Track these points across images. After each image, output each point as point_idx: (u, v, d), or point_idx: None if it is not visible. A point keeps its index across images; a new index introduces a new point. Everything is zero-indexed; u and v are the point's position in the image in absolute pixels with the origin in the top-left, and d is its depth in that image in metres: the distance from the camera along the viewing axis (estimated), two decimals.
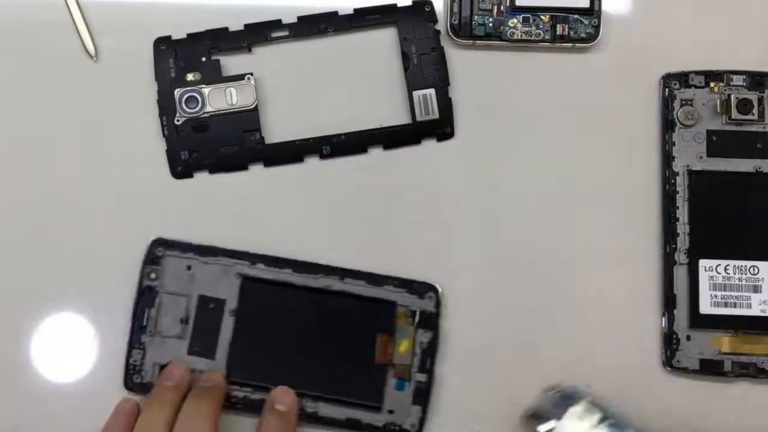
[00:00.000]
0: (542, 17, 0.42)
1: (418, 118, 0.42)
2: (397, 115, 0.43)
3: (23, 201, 0.42)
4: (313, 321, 0.41)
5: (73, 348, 0.41)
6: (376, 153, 0.42)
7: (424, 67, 0.42)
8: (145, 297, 0.40)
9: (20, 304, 0.41)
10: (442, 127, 0.42)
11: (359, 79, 0.43)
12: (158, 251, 0.41)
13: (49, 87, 0.43)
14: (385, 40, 0.43)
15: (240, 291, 0.40)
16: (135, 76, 0.42)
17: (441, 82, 0.42)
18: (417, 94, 0.42)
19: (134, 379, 0.40)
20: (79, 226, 0.42)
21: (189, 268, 0.40)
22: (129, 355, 0.40)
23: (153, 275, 0.40)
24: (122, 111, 0.43)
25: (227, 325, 0.40)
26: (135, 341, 0.40)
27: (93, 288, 0.41)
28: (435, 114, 0.42)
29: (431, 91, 0.42)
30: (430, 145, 0.43)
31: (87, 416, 0.41)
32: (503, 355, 0.41)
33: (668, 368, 0.41)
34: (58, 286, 0.42)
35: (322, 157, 0.42)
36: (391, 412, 0.40)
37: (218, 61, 0.42)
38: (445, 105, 0.42)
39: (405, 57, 0.42)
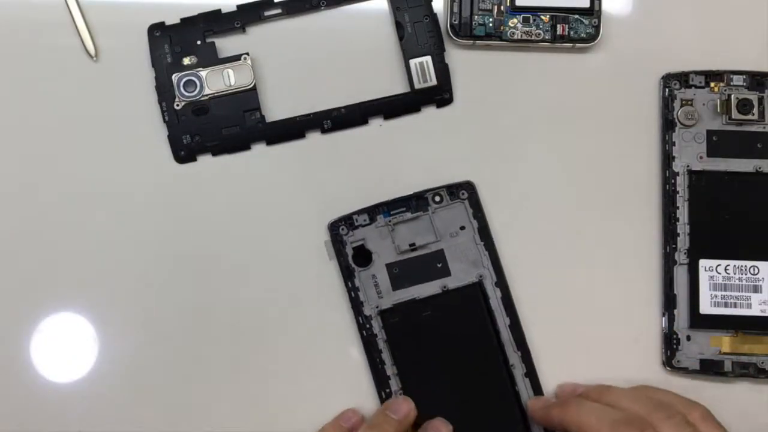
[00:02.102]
0: (542, 17, 0.42)
1: (417, 86, 0.42)
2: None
3: (24, 200, 0.42)
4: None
5: (73, 348, 0.41)
6: (377, 123, 0.43)
7: (419, 35, 0.43)
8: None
9: (20, 304, 0.41)
10: (440, 93, 0.43)
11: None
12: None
13: (49, 87, 0.43)
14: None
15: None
16: (134, 73, 0.42)
17: (436, 48, 0.42)
18: (413, 62, 0.42)
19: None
20: (82, 225, 0.42)
21: None
22: None
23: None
24: (123, 109, 0.43)
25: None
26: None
27: (94, 287, 0.42)
28: (433, 81, 0.42)
29: (427, 59, 0.42)
30: (430, 112, 0.43)
31: (87, 416, 0.41)
32: None
33: (668, 368, 0.41)
34: (59, 286, 0.42)
35: (324, 131, 0.42)
36: None
37: (213, 43, 0.42)
38: (443, 71, 0.43)
39: (399, 26, 0.43)
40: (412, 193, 0.41)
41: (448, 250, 0.41)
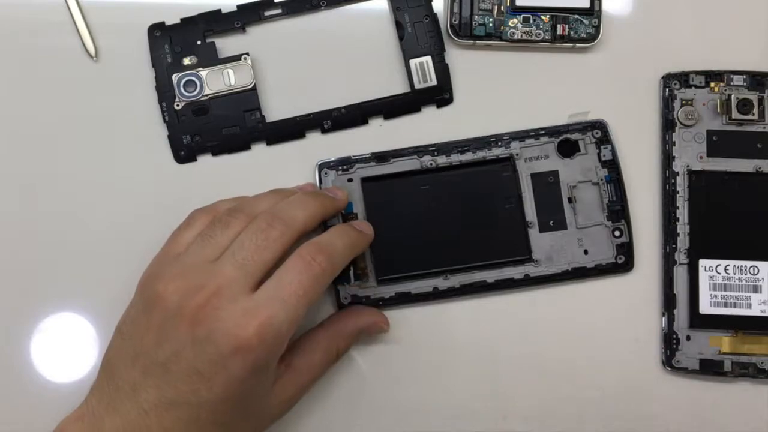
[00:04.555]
0: (542, 17, 0.42)
1: (417, 86, 0.42)
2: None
3: (24, 200, 0.42)
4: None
5: (73, 348, 0.41)
6: (377, 123, 0.43)
7: (419, 35, 0.43)
8: None
9: (20, 304, 0.41)
10: (440, 93, 0.43)
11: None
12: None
13: (49, 87, 0.43)
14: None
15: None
16: (134, 73, 0.42)
17: (437, 48, 0.43)
18: (414, 62, 0.42)
19: None
20: (83, 225, 0.42)
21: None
22: None
23: None
24: (123, 109, 0.43)
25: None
26: None
27: (94, 287, 0.42)
28: (433, 81, 0.42)
29: (428, 59, 0.42)
30: (430, 112, 0.43)
31: None
32: (503, 353, 0.42)
33: (668, 368, 0.41)
34: (59, 286, 0.42)
35: (324, 131, 0.42)
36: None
37: (213, 43, 0.42)
38: (443, 71, 0.43)
39: (399, 26, 0.43)
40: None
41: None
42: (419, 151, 0.42)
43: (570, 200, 0.41)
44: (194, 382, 0.33)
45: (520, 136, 0.42)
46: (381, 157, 0.41)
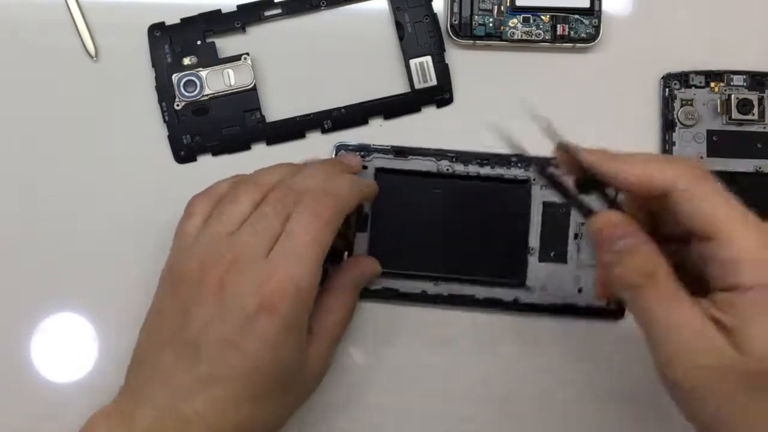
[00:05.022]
0: (542, 17, 0.42)
1: (417, 86, 0.43)
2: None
3: (24, 200, 0.42)
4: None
5: (73, 348, 0.41)
6: (377, 123, 0.43)
7: (419, 35, 0.43)
8: None
9: (20, 304, 0.41)
10: (440, 94, 0.43)
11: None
12: None
13: (49, 87, 0.43)
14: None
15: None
16: (134, 73, 0.42)
17: (436, 48, 0.43)
18: (414, 62, 0.42)
19: None
20: (83, 225, 0.42)
21: None
22: None
23: None
24: (123, 109, 0.43)
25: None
26: None
27: (94, 287, 0.42)
28: (433, 81, 0.43)
29: (428, 59, 0.42)
30: (430, 112, 0.43)
31: (87, 416, 0.41)
32: (502, 352, 0.42)
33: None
34: (59, 286, 0.42)
35: (324, 131, 0.43)
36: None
37: (213, 43, 0.42)
38: (443, 71, 0.43)
39: (399, 26, 0.43)
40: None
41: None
42: (438, 153, 0.41)
43: (576, 236, 0.41)
44: (226, 351, 0.33)
45: (543, 162, 0.41)
46: (400, 152, 0.41)
